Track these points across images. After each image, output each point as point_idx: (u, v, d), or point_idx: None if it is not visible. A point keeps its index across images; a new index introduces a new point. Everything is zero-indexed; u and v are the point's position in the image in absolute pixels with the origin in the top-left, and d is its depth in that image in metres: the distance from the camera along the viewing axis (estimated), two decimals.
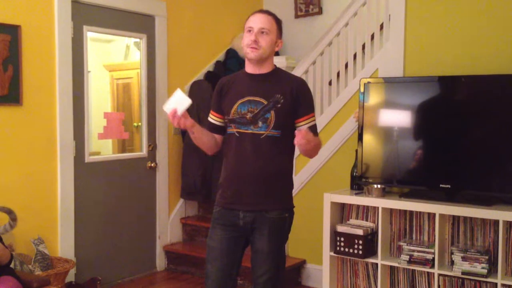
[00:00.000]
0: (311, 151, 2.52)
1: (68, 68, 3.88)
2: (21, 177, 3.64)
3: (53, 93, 3.81)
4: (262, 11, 2.56)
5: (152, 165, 4.57)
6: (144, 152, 4.56)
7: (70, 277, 3.82)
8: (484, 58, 3.48)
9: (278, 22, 2.57)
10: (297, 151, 2.61)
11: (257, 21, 2.49)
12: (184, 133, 4.80)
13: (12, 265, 3.03)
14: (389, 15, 3.89)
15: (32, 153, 3.70)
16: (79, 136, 3.99)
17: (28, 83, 3.65)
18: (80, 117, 3.99)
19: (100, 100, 5.12)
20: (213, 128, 2.66)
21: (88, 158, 4.08)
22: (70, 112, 3.90)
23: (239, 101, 2.52)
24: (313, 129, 2.54)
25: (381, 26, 4.04)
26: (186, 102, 2.37)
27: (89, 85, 4.13)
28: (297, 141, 2.34)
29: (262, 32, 2.48)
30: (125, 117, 4.56)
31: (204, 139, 2.61)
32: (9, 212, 3.09)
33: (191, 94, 4.76)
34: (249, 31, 2.50)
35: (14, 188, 3.60)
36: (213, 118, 2.66)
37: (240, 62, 5.06)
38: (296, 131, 2.37)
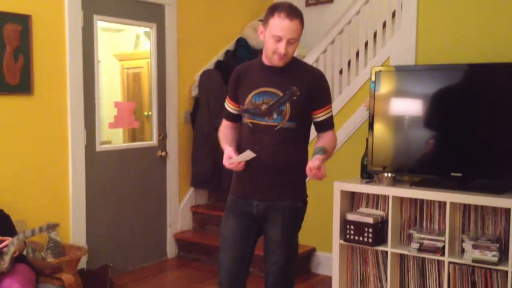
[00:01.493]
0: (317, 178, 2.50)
1: (78, 58, 3.90)
2: (32, 165, 3.67)
3: (64, 82, 3.83)
4: (290, 16, 2.37)
5: (163, 154, 4.59)
6: (154, 141, 4.57)
7: (82, 264, 3.86)
8: (498, 46, 3.44)
9: (303, 21, 2.46)
10: (311, 138, 2.62)
11: (286, 31, 2.36)
12: (194, 122, 4.82)
13: (24, 253, 3.07)
14: (401, 3, 3.85)
15: (43, 142, 3.73)
16: (89, 125, 4.01)
17: (39, 73, 3.67)
18: (90, 106, 4.01)
19: (110, 90, 5.15)
20: (230, 116, 2.66)
21: (99, 147, 4.11)
22: (80, 102, 3.92)
23: (254, 92, 2.50)
24: (330, 120, 2.55)
25: (393, 14, 4.00)
26: (250, 156, 2.42)
27: (100, 74, 4.14)
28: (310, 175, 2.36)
29: (291, 43, 2.40)
30: (136, 107, 4.58)
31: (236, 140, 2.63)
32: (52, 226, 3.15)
33: (200, 84, 4.77)
34: (278, 40, 2.37)
35: (26, 176, 3.63)
36: (230, 107, 2.65)
37: (250, 51, 5.05)
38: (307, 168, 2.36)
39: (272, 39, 2.40)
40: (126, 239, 4.33)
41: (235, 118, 2.66)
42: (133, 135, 4.88)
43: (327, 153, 2.47)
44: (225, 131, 2.67)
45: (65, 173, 3.87)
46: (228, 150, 2.50)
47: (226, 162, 2.47)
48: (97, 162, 4.09)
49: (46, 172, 3.75)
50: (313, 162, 2.35)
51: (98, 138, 4.09)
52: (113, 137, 4.79)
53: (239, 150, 2.57)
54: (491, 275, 3.20)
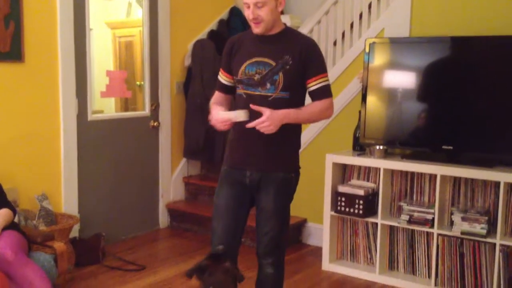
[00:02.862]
0: (315, 119, 2.51)
1: (70, 25, 3.84)
2: (24, 133, 3.65)
3: (55, 50, 3.78)
4: None
5: (155, 124, 4.57)
6: (147, 111, 4.55)
7: (74, 233, 3.88)
8: (493, 19, 3.42)
9: None
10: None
11: None
12: (187, 93, 4.79)
13: (16, 220, 3.08)
14: None
15: (35, 110, 3.70)
16: (81, 94, 3.97)
17: (29, 40, 3.62)
18: (82, 74, 3.97)
19: (102, 58, 5.08)
20: (223, 88, 2.64)
21: (91, 116, 4.08)
22: (72, 70, 3.87)
23: (247, 62, 2.49)
24: (324, 89, 2.50)
25: None
26: (240, 117, 2.37)
27: (91, 42, 4.08)
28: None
29: (258, 6, 2.39)
30: (128, 76, 4.54)
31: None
32: None
33: (193, 54, 4.72)
34: (247, 7, 2.41)
35: (17, 144, 3.61)
36: (223, 78, 2.63)
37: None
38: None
39: (245, 7, 2.45)
40: (118, 209, 4.35)
41: (227, 90, 2.64)
42: (125, 105, 4.85)
43: (299, 114, 2.44)
44: (217, 102, 2.65)
45: (57, 142, 3.85)
46: (218, 108, 2.47)
47: (215, 116, 2.42)
48: (89, 131, 4.07)
49: (37, 141, 3.73)
50: (265, 112, 2.34)
51: (90, 107, 4.06)
52: (105, 107, 4.76)
53: (233, 124, 2.55)
54: (479, 247, 3.25)
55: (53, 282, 2.79)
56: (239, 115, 2.39)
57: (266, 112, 2.34)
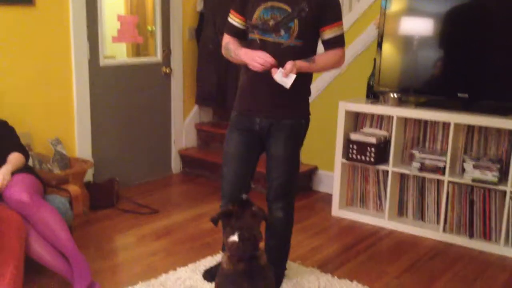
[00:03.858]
0: (327, 69, 2.46)
1: None
2: (36, 78, 3.65)
3: None
4: None
5: (167, 70, 4.54)
6: (158, 57, 4.52)
7: (88, 177, 3.94)
8: None
9: None
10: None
11: None
12: (199, 38, 4.73)
13: (31, 164, 3.12)
14: None
15: (46, 54, 3.69)
16: (92, 38, 3.94)
17: None
18: (93, 18, 3.92)
19: (113, 2, 5.00)
20: (233, 31, 2.57)
21: (103, 61, 4.07)
22: (83, 13, 3.83)
23: (263, 6, 2.42)
24: (339, 38, 2.47)
25: None
26: (288, 82, 2.34)
27: None
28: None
29: None
30: (139, 21, 4.48)
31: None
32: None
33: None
34: None
35: (29, 89, 3.62)
36: (234, 20, 2.55)
37: None
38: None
39: None
40: (132, 154, 4.39)
41: (238, 34, 2.57)
42: (137, 50, 4.80)
43: (314, 63, 2.43)
44: (232, 43, 2.57)
45: (69, 87, 3.86)
46: (260, 52, 2.40)
47: (260, 56, 2.36)
48: (101, 76, 4.06)
49: (49, 86, 3.74)
50: (287, 64, 2.32)
51: (101, 52, 4.04)
52: (116, 52, 4.72)
53: (246, 68, 2.51)
54: (489, 195, 3.25)
55: (69, 224, 2.85)
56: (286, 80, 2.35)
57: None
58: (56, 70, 3.76)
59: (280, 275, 2.71)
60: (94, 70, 3.99)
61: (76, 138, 3.94)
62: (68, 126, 3.89)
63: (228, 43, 2.57)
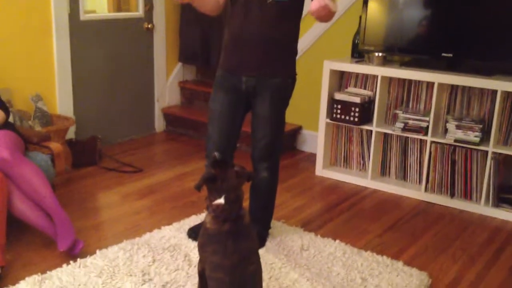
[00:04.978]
0: (326, 17, 2.37)
1: None
2: (15, 32, 3.54)
3: None
4: None
5: (149, 26, 4.44)
6: (140, 12, 4.41)
7: (70, 134, 3.89)
8: None
9: None
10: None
11: None
12: None
13: (11, 120, 3.06)
14: None
15: (26, 8, 3.57)
16: None
17: None
18: None
19: None
20: None
21: (83, 16, 3.96)
22: None
23: None
24: None
25: None
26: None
27: None
28: (313, 9, 2.16)
29: None
30: None
31: (206, 4, 2.48)
32: None
33: None
34: None
35: (9, 44, 3.52)
36: None
37: None
38: None
39: None
40: (114, 112, 4.34)
41: None
42: (118, 5, 4.67)
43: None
44: None
45: (49, 42, 3.75)
46: None
47: None
48: (81, 31, 3.96)
49: (29, 41, 3.63)
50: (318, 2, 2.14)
51: (81, 7, 3.92)
52: (97, 7, 4.59)
53: (229, 25, 2.46)
54: (471, 155, 3.29)
55: (51, 181, 2.82)
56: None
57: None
58: (36, 24, 3.65)
59: (264, 235, 2.74)
60: (74, 24, 3.88)
61: (57, 94, 3.86)
62: (49, 82, 3.81)
63: None
